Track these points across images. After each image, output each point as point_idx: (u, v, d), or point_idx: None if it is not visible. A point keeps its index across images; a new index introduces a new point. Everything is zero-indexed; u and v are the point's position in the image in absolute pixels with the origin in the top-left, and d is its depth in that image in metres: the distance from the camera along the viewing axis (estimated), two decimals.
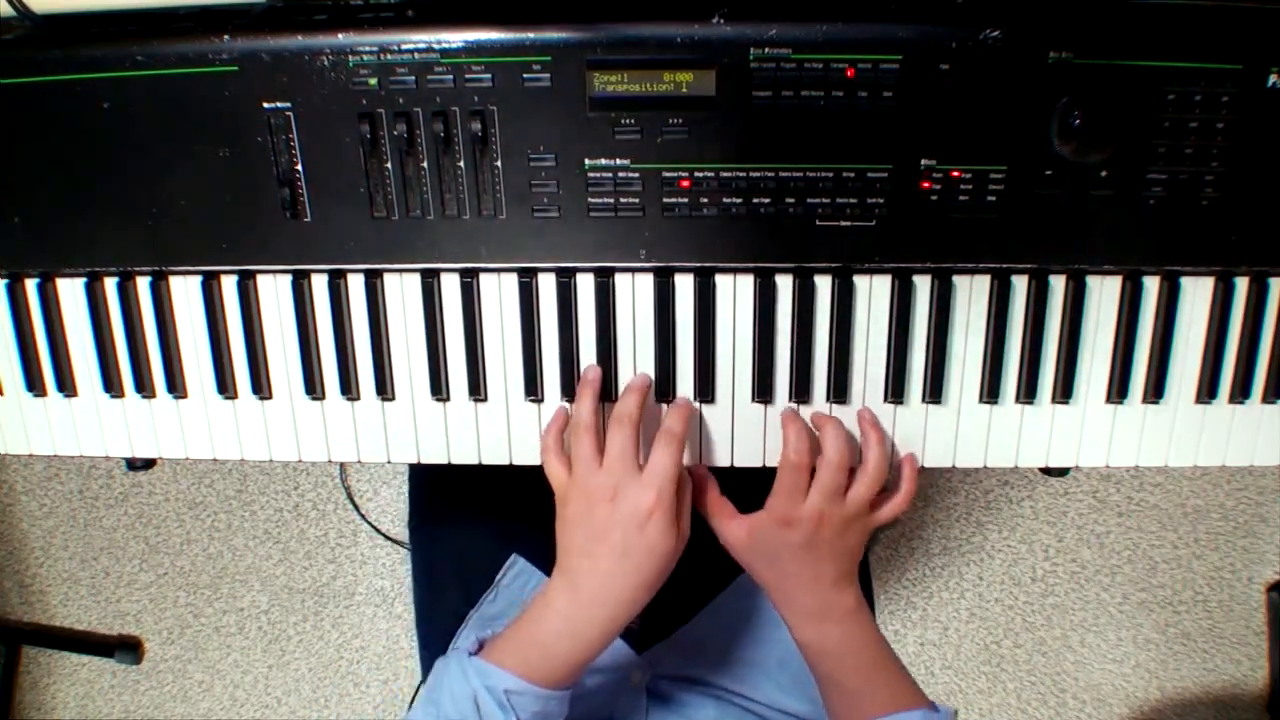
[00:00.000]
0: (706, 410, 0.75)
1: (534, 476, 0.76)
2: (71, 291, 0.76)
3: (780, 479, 0.72)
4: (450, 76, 0.66)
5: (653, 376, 0.74)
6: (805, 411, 0.75)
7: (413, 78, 0.66)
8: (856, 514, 0.71)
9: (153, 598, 1.80)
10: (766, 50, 0.64)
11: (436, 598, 1.00)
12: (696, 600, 0.92)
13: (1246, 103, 0.65)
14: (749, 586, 0.93)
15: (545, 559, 0.94)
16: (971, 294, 0.73)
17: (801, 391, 0.74)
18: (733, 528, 0.74)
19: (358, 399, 0.76)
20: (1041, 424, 0.75)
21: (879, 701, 0.71)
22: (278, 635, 1.80)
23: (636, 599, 0.68)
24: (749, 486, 0.76)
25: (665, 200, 0.69)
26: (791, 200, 0.68)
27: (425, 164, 0.68)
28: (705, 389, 0.74)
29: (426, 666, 0.99)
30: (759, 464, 0.76)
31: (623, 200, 0.69)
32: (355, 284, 0.74)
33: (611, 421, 0.69)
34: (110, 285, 0.76)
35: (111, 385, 0.77)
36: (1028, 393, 0.74)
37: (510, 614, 0.92)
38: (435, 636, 0.98)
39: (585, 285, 0.73)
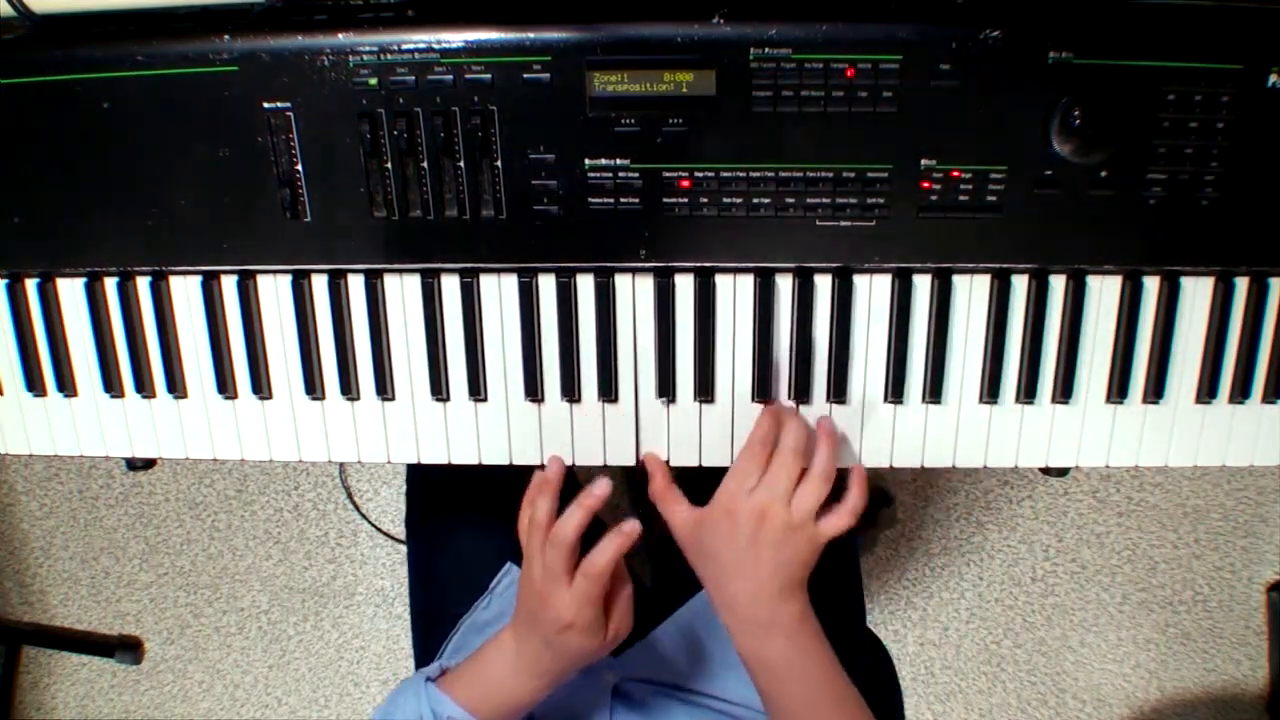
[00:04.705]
0: (706, 410, 0.75)
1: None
2: (71, 291, 0.76)
3: (735, 464, 0.70)
4: (450, 76, 0.66)
5: (610, 483, 0.70)
6: (806, 412, 0.75)
7: (413, 78, 0.66)
8: (801, 521, 0.68)
9: (153, 598, 1.80)
10: (766, 50, 0.64)
11: (432, 599, 1.00)
12: (670, 603, 0.92)
13: (1246, 103, 0.65)
14: None
15: None
16: (971, 294, 0.73)
17: (801, 392, 0.74)
18: (679, 514, 0.72)
19: (358, 399, 0.76)
20: (1041, 424, 0.75)
21: None
22: (278, 635, 1.80)
23: (559, 675, 0.72)
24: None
25: (665, 200, 0.69)
26: (791, 200, 0.68)
27: (425, 164, 0.68)
28: (705, 389, 0.74)
29: (421, 667, 0.99)
30: None
31: (623, 200, 0.69)
32: (355, 284, 0.74)
33: (550, 537, 0.68)
34: (110, 285, 0.76)
35: (111, 385, 0.77)
36: (1028, 393, 0.74)
37: (503, 620, 0.92)
38: (429, 638, 0.98)
39: (585, 285, 0.73)
